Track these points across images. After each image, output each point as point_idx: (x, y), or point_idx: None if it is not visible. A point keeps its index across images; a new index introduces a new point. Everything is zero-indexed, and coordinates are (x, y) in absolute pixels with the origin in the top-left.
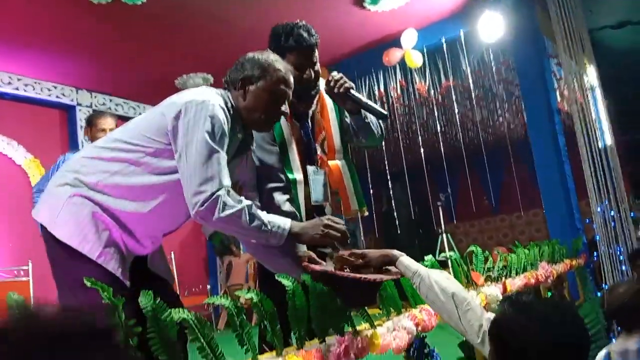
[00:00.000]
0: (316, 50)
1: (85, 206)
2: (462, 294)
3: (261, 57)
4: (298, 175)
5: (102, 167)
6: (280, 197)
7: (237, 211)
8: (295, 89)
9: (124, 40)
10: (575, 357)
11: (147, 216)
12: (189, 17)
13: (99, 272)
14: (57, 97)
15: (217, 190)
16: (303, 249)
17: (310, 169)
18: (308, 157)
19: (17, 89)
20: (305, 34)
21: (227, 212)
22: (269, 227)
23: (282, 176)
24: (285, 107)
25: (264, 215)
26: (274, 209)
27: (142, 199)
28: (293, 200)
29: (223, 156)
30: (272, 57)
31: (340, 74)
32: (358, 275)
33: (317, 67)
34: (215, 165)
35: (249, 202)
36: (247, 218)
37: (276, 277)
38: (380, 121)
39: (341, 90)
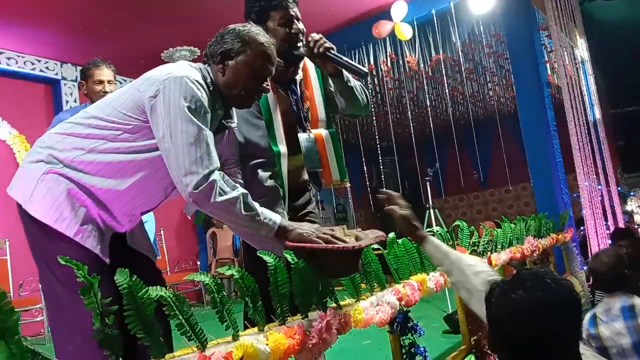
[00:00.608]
0: (296, 7)
1: (60, 183)
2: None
3: (243, 30)
4: (282, 148)
5: (77, 143)
6: (263, 174)
7: (233, 198)
8: (282, 52)
9: (109, 13)
10: (566, 318)
11: (124, 193)
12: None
13: (76, 249)
14: (41, 70)
15: (211, 173)
16: None
17: (303, 136)
18: (299, 125)
19: None
20: None
21: (223, 197)
22: (261, 218)
23: (266, 151)
24: (267, 84)
25: (257, 206)
26: (257, 184)
27: (118, 177)
28: (277, 175)
29: (209, 134)
30: (255, 30)
31: (320, 35)
32: (336, 245)
33: (302, 24)
34: (204, 144)
35: (244, 190)
36: (242, 207)
37: (258, 254)
38: (364, 94)
39: (320, 50)
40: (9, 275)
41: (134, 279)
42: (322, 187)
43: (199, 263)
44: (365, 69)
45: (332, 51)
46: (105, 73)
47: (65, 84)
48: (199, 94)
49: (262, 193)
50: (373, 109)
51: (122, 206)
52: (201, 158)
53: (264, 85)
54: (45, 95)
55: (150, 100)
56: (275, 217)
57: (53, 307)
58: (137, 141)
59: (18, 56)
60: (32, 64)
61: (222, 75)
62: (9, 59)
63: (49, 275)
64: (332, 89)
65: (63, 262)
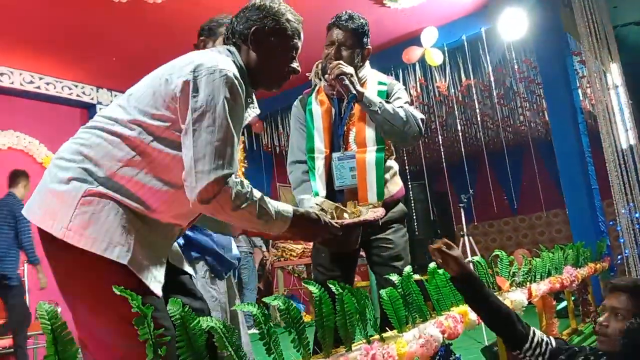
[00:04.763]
0: (343, 34)
1: (105, 204)
2: None
3: (273, 6)
4: (320, 148)
5: (111, 152)
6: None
7: (251, 204)
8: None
9: (144, 39)
10: None
11: (168, 211)
12: (207, 14)
13: (128, 278)
14: (78, 95)
15: (227, 178)
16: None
17: (335, 155)
18: (334, 141)
19: (38, 87)
20: (344, 16)
21: (243, 205)
22: (274, 218)
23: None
24: (296, 64)
25: (271, 207)
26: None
27: (159, 197)
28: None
29: (237, 139)
30: (284, 7)
31: (338, 62)
32: (347, 221)
33: (343, 52)
34: (229, 148)
35: (259, 194)
36: (258, 211)
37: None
38: (418, 118)
39: (331, 76)
40: (26, 299)
41: (186, 309)
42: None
43: None
44: (354, 92)
45: (341, 76)
46: None
47: (100, 109)
48: (237, 90)
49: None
50: None
51: (167, 222)
52: (224, 160)
53: (294, 65)
54: (81, 119)
55: (180, 93)
56: (286, 214)
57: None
58: (168, 146)
59: (56, 81)
60: (70, 89)
61: (254, 56)
62: (47, 84)
63: (88, 312)
64: None
65: (118, 292)
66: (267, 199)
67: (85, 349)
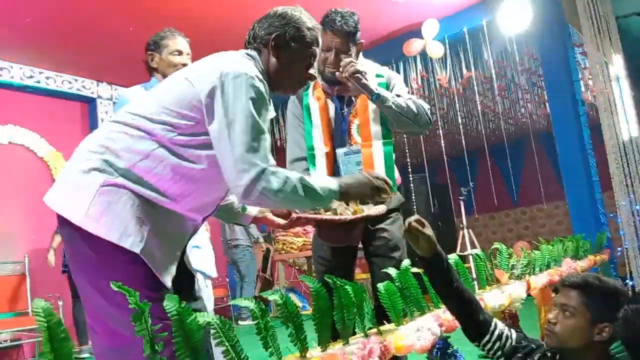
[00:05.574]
0: (340, 39)
1: (121, 195)
2: None
3: (295, 14)
4: (321, 147)
5: (132, 146)
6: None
7: (293, 187)
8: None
9: (145, 32)
10: None
11: (186, 203)
12: (209, 6)
13: (139, 266)
14: (78, 89)
15: (264, 170)
16: None
17: (341, 150)
18: (337, 137)
19: (38, 82)
20: (337, 18)
21: (285, 188)
22: (322, 194)
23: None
24: (314, 70)
25: (314, 183)
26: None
27: (178, 188)
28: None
29: (268, 136)
30: (305, 15)
31: (350, 59)
32: (324, 217)
33: (342, 57)
34: (263, 144)
35: (298, 175)
36: (303, 191)
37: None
38: (426, 108)
39: (345, 75)
40: (28, 292)
41: (182, 304)
42: None
43: (227, 279)
44: (377, 91)
45: (357, 75)
46: (183, 43)
47: (101, 102)
48: (263, 92)
49: None
50: None
51: (184, 213)
52: (259, 156)
53: (312, 71)
54: (81, 113)
55: (208, 98)
56: (332, 186)
57: (106, 334)
58: (192, 142)
59: (56, 76)
60: (70, 83)
61: (275, 62)
62: (47, 78)
63: (99, 298)
64: None
65: (116, 288)
66: (307, 177)
67: (94, 335)
